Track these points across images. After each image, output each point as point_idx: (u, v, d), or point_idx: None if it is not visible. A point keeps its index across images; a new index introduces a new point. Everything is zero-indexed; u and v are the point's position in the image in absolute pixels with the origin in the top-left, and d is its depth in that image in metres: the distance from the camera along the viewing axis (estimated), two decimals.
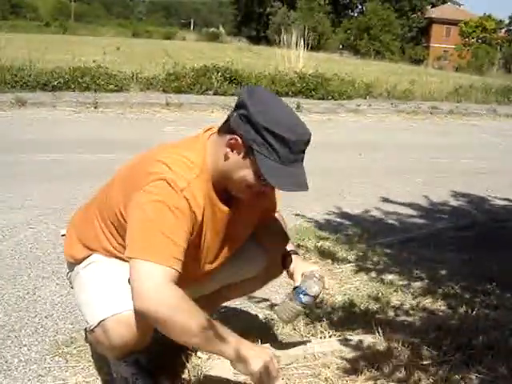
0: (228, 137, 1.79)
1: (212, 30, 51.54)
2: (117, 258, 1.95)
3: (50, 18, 58.64)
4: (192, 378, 2.07)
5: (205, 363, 2.21)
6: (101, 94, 9.91)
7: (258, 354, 1.75)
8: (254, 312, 2.85)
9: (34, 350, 2.41)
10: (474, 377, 2.11)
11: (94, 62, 10.89)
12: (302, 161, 1.81)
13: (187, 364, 2.22)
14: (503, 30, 54.85)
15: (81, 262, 2.02)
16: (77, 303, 2.06)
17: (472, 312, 2.79)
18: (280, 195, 2.16)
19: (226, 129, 1.82)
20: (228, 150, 1.79)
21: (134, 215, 1.76)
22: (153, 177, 1.75)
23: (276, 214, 2.27)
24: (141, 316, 1.72)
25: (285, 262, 2.19)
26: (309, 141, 1.80)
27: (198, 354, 2.26)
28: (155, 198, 1.73)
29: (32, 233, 3.84)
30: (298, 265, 2.15)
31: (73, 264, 2.07)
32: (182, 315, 1.69)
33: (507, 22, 61.18)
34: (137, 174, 1.86)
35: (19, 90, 9.44)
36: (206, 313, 1.75)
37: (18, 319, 2.67)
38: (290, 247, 2.23)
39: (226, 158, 1.81)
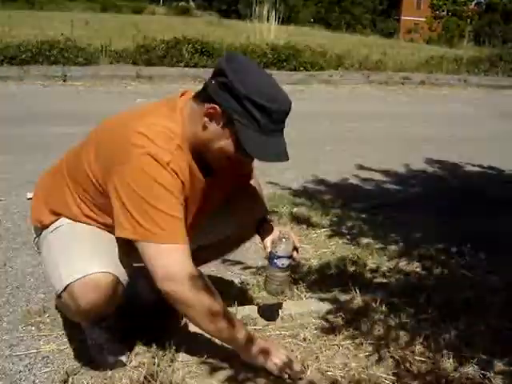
0: (206, 105, 1.72)
1: (181, 3, 50.75)
2: (85, 223, 1.91)
3: None
4: (171, 342, 2.03)
5: (181, 327, 2.18)
6: (70, 67, 9.71)
7: (277, 346, 1.90)
8: (229, 278, 2.82)
9: (5, 321, 2.35)
10: (452, 333, 2.11)
11: (62, 34, 10.64)
12: (282, 131, 1.77)
13: (165, 327, 2.19)
14: (473, 3, 55.03)
15: (48, 226, 1.97)
16: (43, 268, 2.02)
17: (447, 273, 2.80)
18: (254, 163, 2.12)
19: (203, 97, 1.75)
20: (206, 119, 1.73)
21: (125, 195, 1.70)
22: (136, 151, 1.69)
23: (252, 180, 2.24)
24: (165, 296, 1.74)
25: (259, 229, 2.14)
26: (289, 110, 1.75)
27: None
28: (143, 174, 1.68)
29: (2, 205, 3.76)
30: (269, 231, 2.10)
31: (40, 229, 2.01)
32: (203, 299, 1.73)
33: None
34: (116, 142, 1.78)
35: None
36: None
37: None
38: (262, 214, 2.18)
39: (205, 127, 1.74)
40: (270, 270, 2.06)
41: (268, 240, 2.06)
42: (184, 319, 2.16)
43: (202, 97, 1.76)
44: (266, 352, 1.85)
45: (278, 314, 2.26)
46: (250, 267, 2.89)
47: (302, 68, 12.20)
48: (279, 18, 14.93)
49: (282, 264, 2.02)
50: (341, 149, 5.94)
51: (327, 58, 13.18)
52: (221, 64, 1.71)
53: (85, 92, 8.79)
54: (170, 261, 1.70)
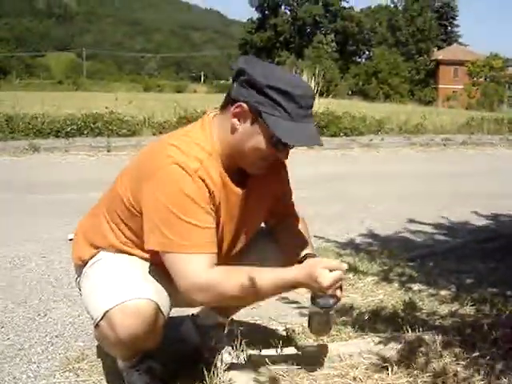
0: (232, 107, 1.71)
1: (222, 81, 52.32)
2: (124, 252, 1.87)
3: (63, 76, 60.03)
4: None
5: (222, 374, 2.07)
6: (113, 138, 9.94)
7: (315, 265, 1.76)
8: (273, 327, 2.72)
9: (43, 367, 2.30)
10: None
11: (106, 108, 10.97)
12: (311, 117, 1.74)
13: (205, 374, 2.08)
14: (510, 68, 55.18)
15: (88, 262, 1.93)
16: (84, 304, 1.95)
17: (504, 313, 2.64)
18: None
19: (227, 101, 1.75)
20: (234, 120, 1.72)
21: (152, 206, 1.69)
22: (165, 161, 1.68)
23: (295, 218, 2.15)
24: (200, 304, 1.82)
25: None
26: (313, 96, 1.75)
27: (217, 363, 2.13)
28: (170, 185, 1.66)
29: (44, 261, 3.77)
30: None
31: (81, 267, 1.98)
32: (242, 286, 1.68)
33: None
34: (145, 161, 1.81)
35: (33, 138, 9.49)
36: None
37: (27, 339, 2.57)
38: (308, 250, 2.05)
39: (234, 129, 1.73)
40: (312, 308, 1.93)
41: None
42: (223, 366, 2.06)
43: (226, 102, 1.76)
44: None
45: (325, 356, 2.13)
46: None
47: (342, 134, 12.23)
48: (318, 91, 15.16)
49: (325, 304, 1.87)
50: (385, 206, 5.83)
51: (367, 124, 13.21)
52: (239, 65, 1.72)
53: (128, 161, 8.93)
54: (197, 272, 1.66)
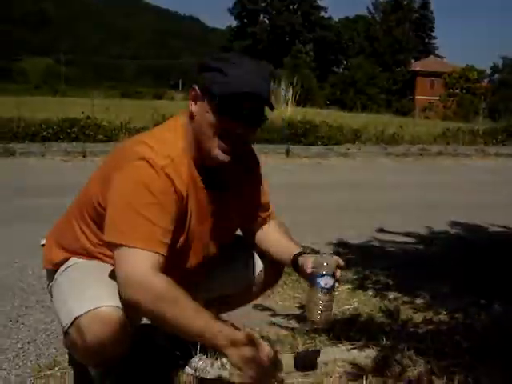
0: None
1: None
2: (96, 258, 1.85)
3: (40, 81, 59.44)
4: None
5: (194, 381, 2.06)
6: (90, 143, 9.88)
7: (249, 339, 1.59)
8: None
9: (13, 374, 2.27)
10: (485, 378, 1.96)
11: (82, 113, 10.90)
12: (264, 80, 1.71)
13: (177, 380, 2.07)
14: (486, 80, 56.02)
15: (59, 267, 1.91)
16: (54, 311, 1.91)
17: (478, 322, 2.66)
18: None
19: None
20: (191, 106, 1.73)
21: (113, 199, 1.67)
22: (132, 157, 1.67)
23: (275, 221, 2.11)
24: (127, 306, 1.62)
25: (295, 262, 1.94)
26: (262, 65, 1.78)
27: (189, 369, 2.12)
28: (134, 179, 1.64)
29: (17, 267, 3.71)
30: (307, 258, 1.89)
31: (52, 272, 1.95)
32: (169, 304, 1.58)
33: (489, 72, 62.74)
34: (114, 160, 1.79)
35: (8, 141, 9.38)
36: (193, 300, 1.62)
37: None
38: (297, 249, 1.97)
39: (192, 115, 1.73)
40: (312, 294, 1.83)
41: (308, 262, 1.85)
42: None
43: None
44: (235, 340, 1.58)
45: (317, 363, 2.10)
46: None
47: (319, 142, 12.30)
48: (295, 100, 15.23)
49: (326, 284, 1.79)
50: (360, 216, 5.86)
51: (344, 133, 13.31)
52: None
53: None
54: (135, 266, 1.59)
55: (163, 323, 1.62)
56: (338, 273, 1.82)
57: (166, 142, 1.72)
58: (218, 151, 1.71)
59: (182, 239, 1.77)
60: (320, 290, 1.80)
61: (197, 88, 1.71)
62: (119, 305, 1.67)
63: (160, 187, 1.65)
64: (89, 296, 1.69)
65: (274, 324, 2.79)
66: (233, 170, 1.83)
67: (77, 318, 1.65)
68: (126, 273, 1.60)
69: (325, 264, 1.81)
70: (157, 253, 1.62)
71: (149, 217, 1.62)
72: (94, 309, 1.64)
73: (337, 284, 1.85)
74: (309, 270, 1.83)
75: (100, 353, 1.70)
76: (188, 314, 1.59)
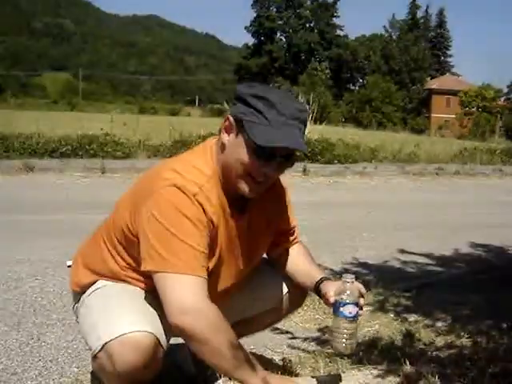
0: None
1: (217, 106, 52.49)
2: (124, 281, 1.85)
3: (59, 96, 60.14)
4: None
5: None
6: (108, 160, 9.95)
7: None
8: (269, 356, 2.70)
9: None
10: None
11: (101, 129, 10.99)
12: (297, 127, 1.68)
13: None
14: (502, 99, 55.73)
15: (86, 289, 1.91)
16: (81, 333, 1.92)
17: (501, 347, 2.63)
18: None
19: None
20: (224, 135, 1.72)
21: (148, 226, 1.66)
22: (163, 183, 1.67)
23: (300, 245, 2.13)
24: (178, 331, 1.63)
25: (318, 290, 1.95)
26: (302, 110, 1.71)
27: None
28: (168, 206, 1.64)
29: (38, 283, 3.73)
30: (330, 285, 1.91)
31: (78, 294, 1.96)
32: (219, 335, 1.61)
33: (506, 90, 62.44)
34: (144, 186, 1.79)
35: (27, 157, 9.48)
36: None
37: (20, 363, 2.54)
38: (321, 275, 1.99)
39: (223, 145, 1.73)
40: (336, 322, 1.83)
41: (331, 290, 1.85)
42: None
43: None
44: None
45: None
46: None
47: (335, 161, 12.28)
48: (311, 118, 15.24)
49: (350, 312, 1.79)
50: (379, 235, 5.83)
51: (360, 151, 13.28)
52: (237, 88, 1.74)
53: (122, 183, 8.92)
54: (185, 292, 1.60)
55: (209, 352, 1.63)
56: (362, 301, 1.83)
57: (195, 169, 1.72)
58: (246, 188, 1.72)
59: (211, 265, 1.76)
60: (344, 319, 1.81)
61: (231, 119, 1.69)
62: (150, 330, 1.66)
63: (195, 213, 1.65)
64: (119, 321, 1.68)
65: (294, 347, 2.77)
66: (260, 195, 1.83)
67: (107, 342, 1.64)
68: (180, 300, 1.60)
69: (348, 292, 1.81)
70: (201, 277, 1.63)
71: (189, 242, 1.63)
72: (124, 334, 1.63)
73: (360, 312, 1.84)
74: (332, 300, 1.83)
75: (129, 378, 1.69)
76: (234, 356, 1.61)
